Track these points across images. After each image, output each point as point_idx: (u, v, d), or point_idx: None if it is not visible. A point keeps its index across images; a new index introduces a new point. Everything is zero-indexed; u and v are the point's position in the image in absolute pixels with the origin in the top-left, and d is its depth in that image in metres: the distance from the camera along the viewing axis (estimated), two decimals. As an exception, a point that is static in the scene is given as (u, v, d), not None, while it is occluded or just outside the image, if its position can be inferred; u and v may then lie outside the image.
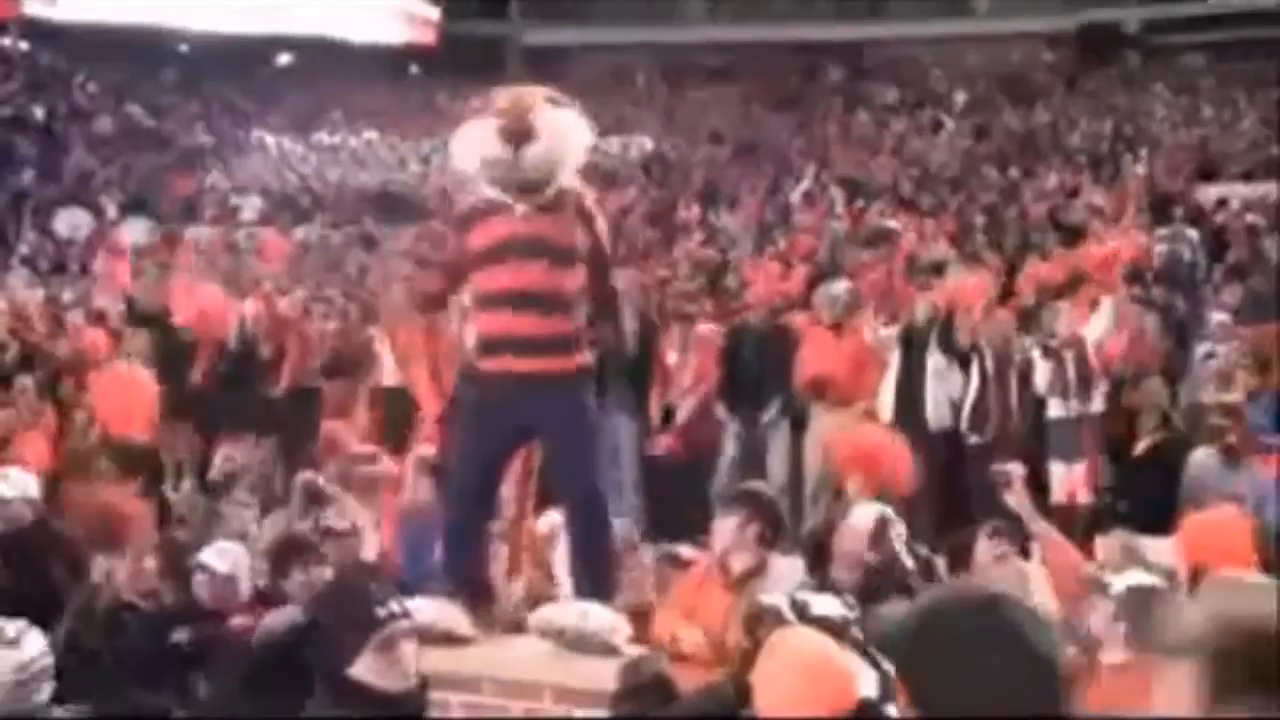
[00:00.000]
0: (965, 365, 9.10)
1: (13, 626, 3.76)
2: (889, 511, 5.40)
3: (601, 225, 4.91)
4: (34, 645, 3.80)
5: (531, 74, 29.56)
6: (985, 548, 5.64)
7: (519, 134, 4.59)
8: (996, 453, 8.74)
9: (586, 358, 4.85)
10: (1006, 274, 11.88)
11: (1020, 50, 27.81)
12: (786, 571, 5.31)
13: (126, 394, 9.61)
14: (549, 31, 30.80)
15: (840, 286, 9.72)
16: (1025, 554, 5.65)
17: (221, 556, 5.61)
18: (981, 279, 10.11)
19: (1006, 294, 10.81)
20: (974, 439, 8.95)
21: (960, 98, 24.76)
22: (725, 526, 5.04)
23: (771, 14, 30.17)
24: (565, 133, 4.72)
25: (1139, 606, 4.61)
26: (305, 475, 6.13)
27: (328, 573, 5.30)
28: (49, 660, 3.85)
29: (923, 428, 8.87)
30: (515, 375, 4.70)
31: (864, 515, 5.38)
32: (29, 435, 9.42)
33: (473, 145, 4.73)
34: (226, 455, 8.19)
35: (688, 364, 9.89)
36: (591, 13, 30.51)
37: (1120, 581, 4.87)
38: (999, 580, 5.06)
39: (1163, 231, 13.82)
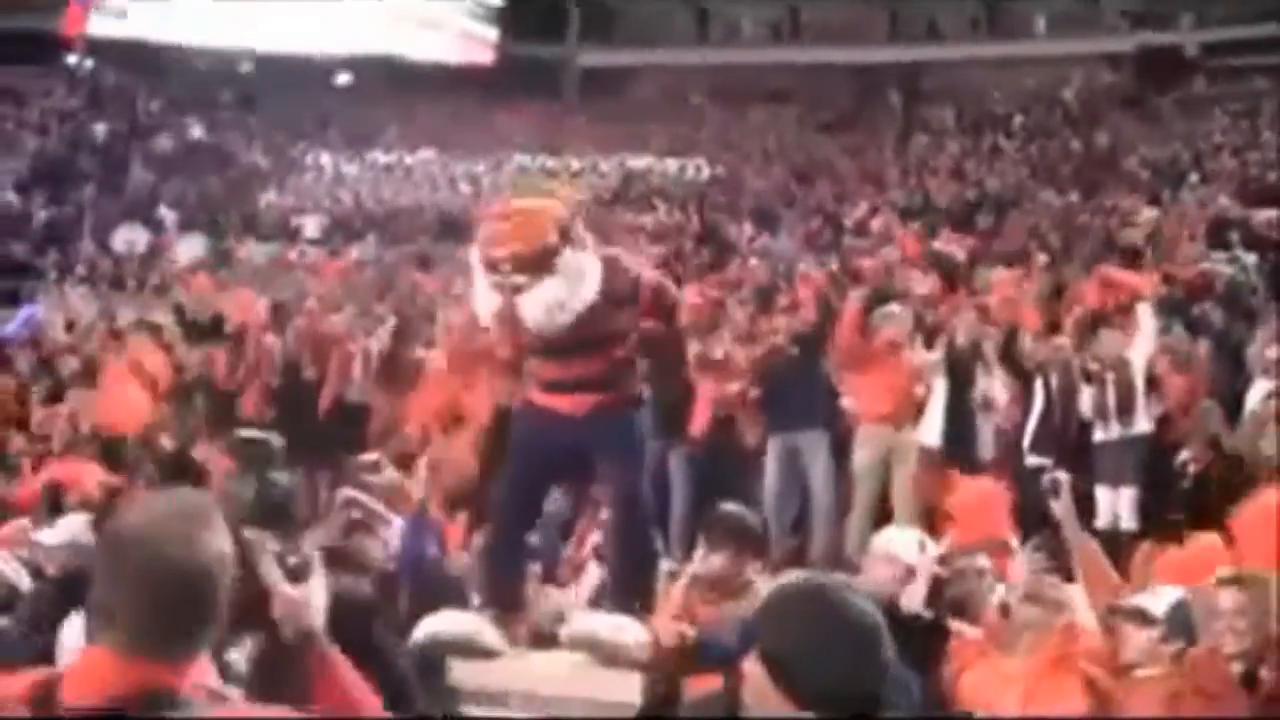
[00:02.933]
0: (1028, 385, 9.01)
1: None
2: (929, 544, 5.33)
3: (638, 277, 4.96)
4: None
5: (588, 95, 29.73)
6: (1024, 560, 5.56)
7: (510, 305, 4.65)
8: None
9: (633, 389, 4.91)
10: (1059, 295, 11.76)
11: (1079, 73, 27.61)
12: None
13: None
14: (606, 53, 30.91)
15: (891, 309, 9.63)
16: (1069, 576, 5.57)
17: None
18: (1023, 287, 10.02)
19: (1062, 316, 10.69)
20: (1034, 459, 8.84)
21: (1018, 120, 24.62)
22: (700, 553, 4.99)
23: (828, 36, 30.15)
24: (566, 299, 4.69)
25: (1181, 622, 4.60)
26: (346, 492, 6.12)
27: (366, 584, 5.29)
28: None
29: (972, 454, 8.78)
30: (564, 412, 4.79)
31: (905, 546, 5.31)
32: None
33: (481, 304, 4.82)
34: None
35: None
36: (648, 35, 30.58)
37: (1160, 603, 4.81)
38: (1038, 599, 5.00)
39: (1221, 256, 13.67)
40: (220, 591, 2.14)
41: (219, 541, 2.15)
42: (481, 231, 4.84)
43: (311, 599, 2.51)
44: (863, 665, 2.36)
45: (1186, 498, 8.27)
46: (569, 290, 4.66)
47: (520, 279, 4.61)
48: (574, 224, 4.79)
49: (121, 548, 2.11)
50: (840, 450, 9.22)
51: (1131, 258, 13.18)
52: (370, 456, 6.21)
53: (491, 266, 4.67)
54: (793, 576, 2.63)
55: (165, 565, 2.08)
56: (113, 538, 2.15)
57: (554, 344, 4.83)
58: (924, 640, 5.28)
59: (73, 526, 6.71)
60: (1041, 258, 13.81)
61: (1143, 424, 8.66)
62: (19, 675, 2.20)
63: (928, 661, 5.21)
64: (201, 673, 2.14)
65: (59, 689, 2.10)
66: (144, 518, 2.14)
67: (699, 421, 9.38)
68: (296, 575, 2.52)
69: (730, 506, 5.75)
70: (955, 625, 5.31)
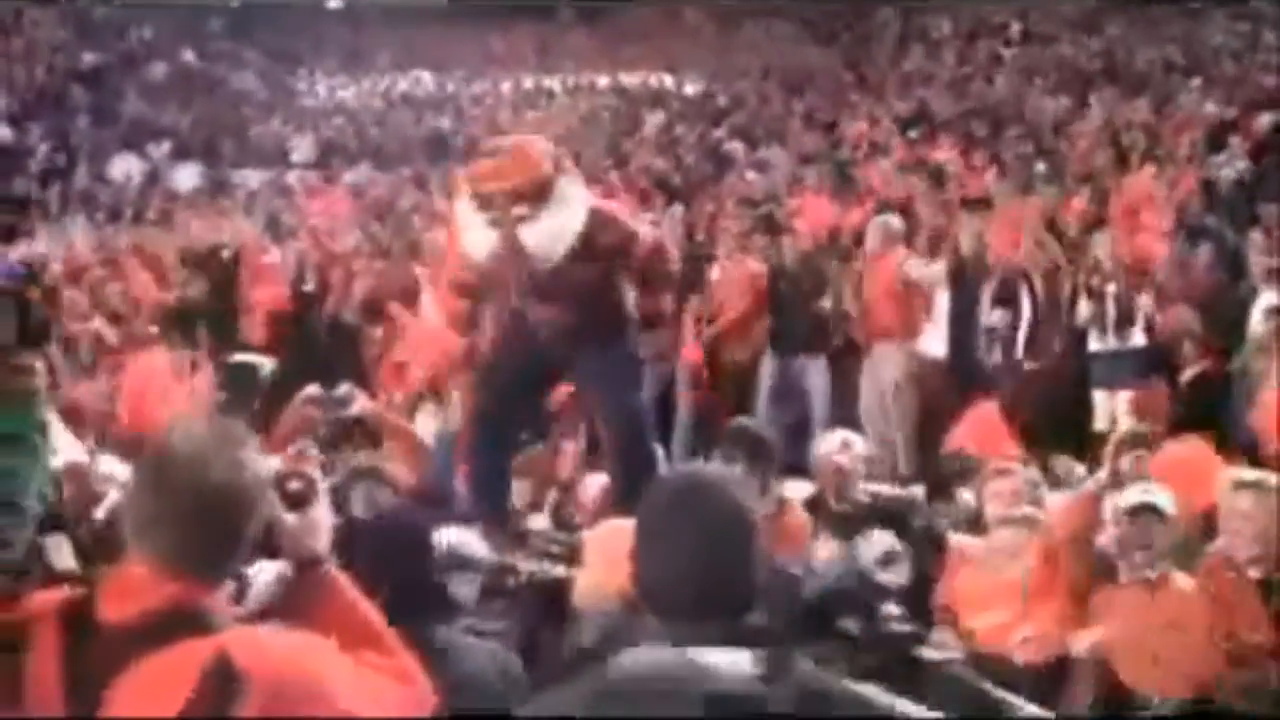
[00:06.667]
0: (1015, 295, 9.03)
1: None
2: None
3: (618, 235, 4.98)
4: None
5: (581, 14, 29.43)
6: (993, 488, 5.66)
7: (511, 239, 4.76)
8: (1051, 378, 8.72)
9: (616, 323, 4.98)
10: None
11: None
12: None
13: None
14: (600, -31, 30.54)
15: (882, 219, 9.63)
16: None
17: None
18: (1027, 209, 9.98)
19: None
20: (1029, 365, 8.89)
21: (1015, 27, 24.39)
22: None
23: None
24: (556, 234, 4.82)
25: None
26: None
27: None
28: None
29: (977, 363, 8.82)
30: (550, 327, 4.86)
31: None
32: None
33: (472, 243, 4.85)
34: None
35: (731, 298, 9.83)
36: (642, -50, 30.19)
37: (1164, 498, 4.87)
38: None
39: (1218, 159, 13.61)
40: (258, 514, 2.24)
41: (257, 465, 2.25)
42: (471, 171, 4.86)
43: (316, 525, 2.45)
44: (723, 560, 2.15)
45: (1179, 398, 8.34)
46: (568, 217, 4.71)
47: (522, 210, 4.65)
48: (560, 154, 4.84)
49: (167, 468, 2.19)
50: (838, 367, 9.32)
51: (1128, 163, 13.14)
52: (341, 389, 6.18)
53: (487, 203, 4.69)
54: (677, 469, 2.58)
55: (212, 486, 2.17)
56: (158, 458, 2.23)
57: (541, 288, 4.88)
58: (924, 547, 5.37)
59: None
60: (1040, 166, 13.77)
61: (1139, 336, 8.69)
62: (51, 591, 2.26)
63: (926, 567, 5.31)
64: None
65: (94, 604, 2.16)
66: (189, 440, 2.23)
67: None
68: (298, 500, 2.45)
69: (744, 420, 5.90)
70: (954, 538, 5.41)
